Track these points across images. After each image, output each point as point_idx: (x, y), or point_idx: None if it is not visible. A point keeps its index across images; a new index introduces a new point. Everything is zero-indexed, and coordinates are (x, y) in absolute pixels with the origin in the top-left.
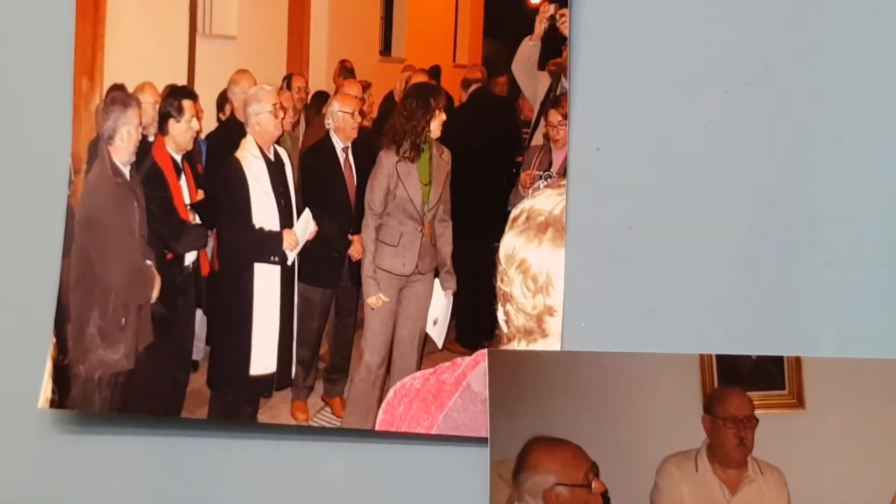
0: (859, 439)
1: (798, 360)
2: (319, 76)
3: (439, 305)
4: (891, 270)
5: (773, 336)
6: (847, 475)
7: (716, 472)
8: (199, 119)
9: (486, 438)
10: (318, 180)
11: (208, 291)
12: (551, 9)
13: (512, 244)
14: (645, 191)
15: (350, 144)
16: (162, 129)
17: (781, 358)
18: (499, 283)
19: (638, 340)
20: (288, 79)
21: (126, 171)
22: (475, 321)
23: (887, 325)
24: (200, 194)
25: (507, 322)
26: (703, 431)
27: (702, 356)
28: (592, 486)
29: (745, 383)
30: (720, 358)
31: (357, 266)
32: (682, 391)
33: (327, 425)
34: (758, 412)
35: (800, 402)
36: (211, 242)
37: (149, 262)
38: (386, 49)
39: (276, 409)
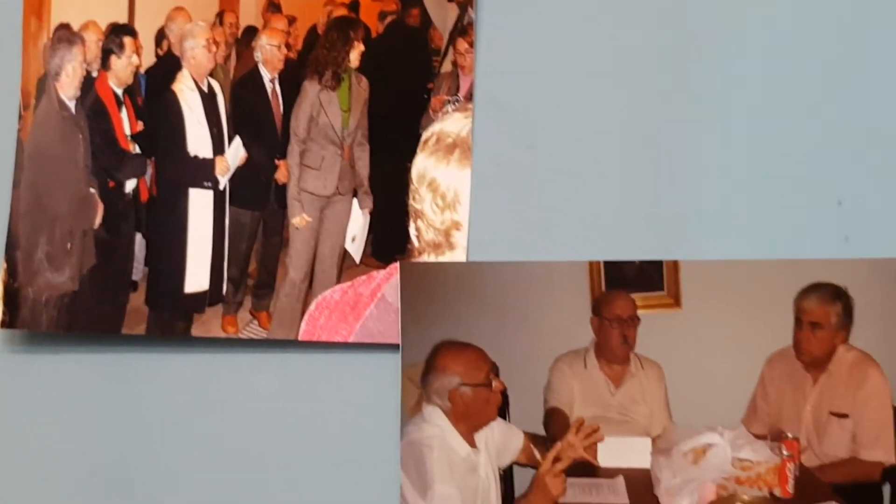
0: (730, 334)
1: (675, 264)
2: (249, 12)
3: (357, 223)
4: (757, 180)
5: (654, 243)
6: (718, 367)
7: (602, 369)
8: (138, 55)
9: (398, 345)
10: (248, 110)
11: (147, 216)
12: None
13: (423, 165)
14: (544, 114)
15: (277, 76)
16: (104, 65)
17: (661, 262)
18: (411, 202)
19: (535, 251)
20: (220, 15)
21: (72, 105)
22: (389, 237)
23: (755, 230)
24: (140, 125)
25: (418, 237)
26: (591, 332)
27: (591, 263)
28: (493, 384)
29: (629, 287)
30: (607, 264)
31: (283, 189)
32: (572, 296)
33: (255, 337)
34: (640, 312)
35: (677, 303)
36: (149, 170)
37: (92, 190)
38: None
39: (209, 323)
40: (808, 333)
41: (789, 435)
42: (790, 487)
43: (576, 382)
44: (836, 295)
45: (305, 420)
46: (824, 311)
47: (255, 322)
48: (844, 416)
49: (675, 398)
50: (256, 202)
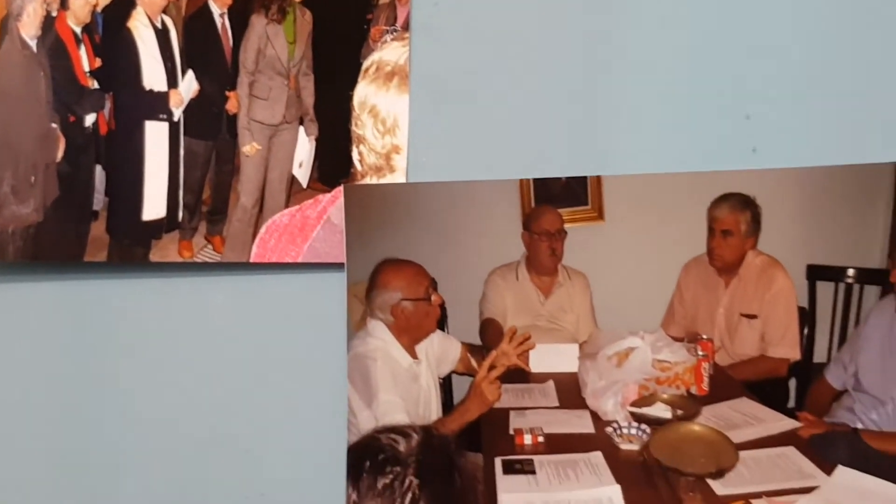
0: (649, 244)
1: (598, 179)
2: None
3: (304, 150)
4: (671, 98)
5: (578, 160)
6: (639, 275)
7: (532, 280)
8: None
9: (344, 264)
10: (199, 44)
11: (106, 148)
12: None
13: (364, 92)
14: (476, 41)
15: (226, 10)
16: (63, 4)
17: (585, 178)
18: (354, 128)
19: (469, 171)
20: None
21: (33, 44)
22: (334, 162)
23: (670, 145)
24: (98, 62)
25: (360, 161)
26: (522, 246)
27: (521, 181)
28: (432, 299)
29: (556, 202)
30: (536, 182)
31: (234, 119)
32: (504, 212)
33: (209, 260)
34: (566, 226)
35: (600, 216)
36: (108, 105)
37: (54, 125)
38: None
39: (166, 249)
40: (720, 241)
41: (704, 336)
42: (705, 385)
43: (508, 294)
44: (746, 204)
45: (258, 337)
46: (735, 220)
47: (210, 246)
48: (754, 316)
49: (600, 305)
50: (209, 132)
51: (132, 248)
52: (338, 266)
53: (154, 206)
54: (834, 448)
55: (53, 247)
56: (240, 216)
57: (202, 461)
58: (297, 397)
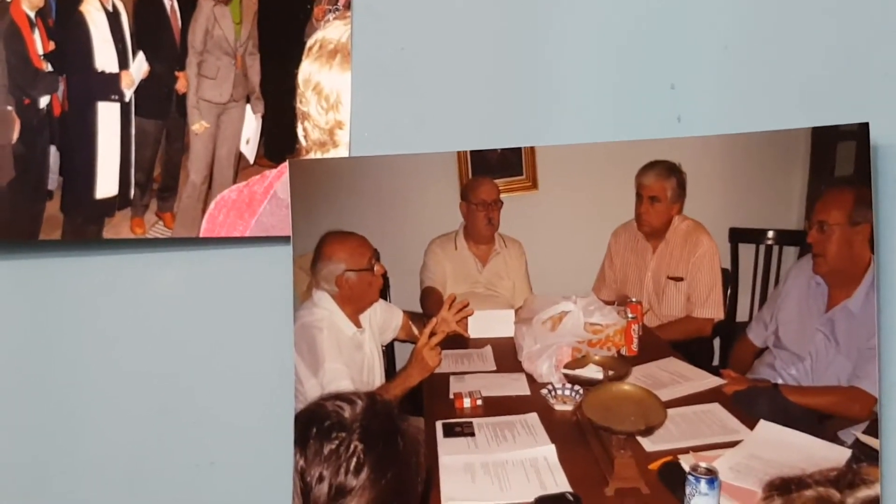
0: (580, 211)
1: (532, 150)
2: None
3: (250, 127)
4: (599, 71)
5: (513, 132)
6: (571, 241)
7: (470, 249)
8: None
9: (290, 237)
10: (149, 26)
11: (60, 129)
12: None
13: (308, 70)
14: (415, 19)
15: None
16: None
17: (520, 149)
18: (298, 105)
19: (410, 145)
20: None
21: None
22: (280, 138)
23: (599, 115)
24: (52, 45)
25: (305, 137)
26: (460, 216)
27: (459, 153)
28: (375, 269)
29: (492, 173)
30: (473, 153)
31: (183, 99)
32: (443, 184)
33: (161, 236)
34: (502, 196)
35: (534, 185)
36: (61, 87)
37: (9, 107)
38: None
39: (119, 226)
40: (648, 207)
41: (633, 299)
42: (635, 346)
43: (448, 263)
44: (671, 171)
45: (208, 310)
46: (661, 186)
47: (161, 223)
48: (680, 279)
49: (535, 272)
50: (159, 112)
51: (86, 225)
52: (284, 239)
53: (106, 184)
54: (756, 403)
55: (9, 226)
56: (189, 193)
57: (154, 431)
58: (245, 367)
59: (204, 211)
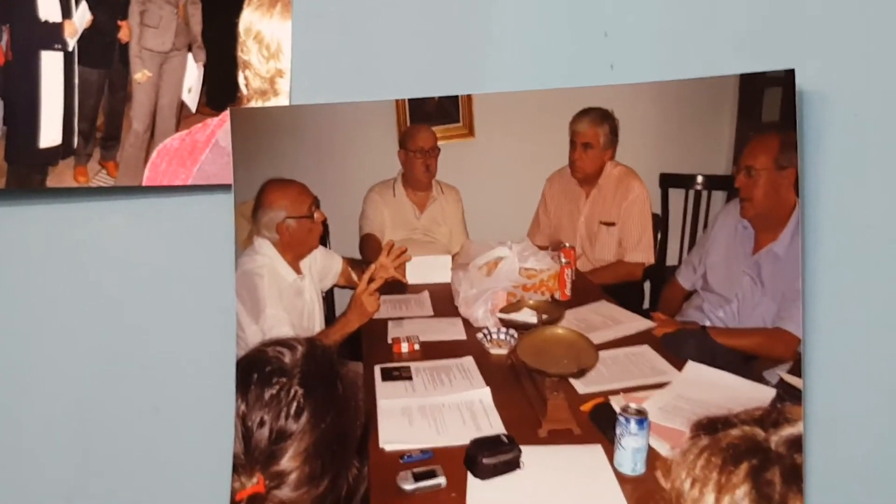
0: (515, 158)
1: (469, 98)
2: None
3: (192, 76)
4: (533, 19)
5: (450, 80)
6: (506, 188)
7: (408, 196)
8: None
9: (231, 185)
10: None
11: (4, 79)
12: None
13: (249, 19)
14: None
15: None
16: None
17: (457, 97)
18: (240, 53)
19: (349, 93)
20: None
21: None
22: (221, 87)
23: (534, 63)
24: None
25: (246, 86)
26: (399, 163)
27: (397, 101)
28: (315, 216)
29: (429, 120)
30: (411, 101)
31: (126, 48)
32: (382, 132)
33: (104, 185)
34: (440, 143)
35: (471, 132)
36: (4, 36)
37: None
38: None
39: (62, 175)
40: (581, 153)
41: (567, 244)
42: (568, 290)
43: (386, 210)
44: (604, 117)
45: (151, 258)
46: (594, 133)
47: (104, 171)
48: (612, 224)
49: (471, 218)
50: (102, 61)
51: (30, 174)
52: (225, 187)
53: (50, 133)
54: (684, 345)
55: None
56: (132, 141)
57: (99, 378)
58: (187, 314)
59: (146, 160)
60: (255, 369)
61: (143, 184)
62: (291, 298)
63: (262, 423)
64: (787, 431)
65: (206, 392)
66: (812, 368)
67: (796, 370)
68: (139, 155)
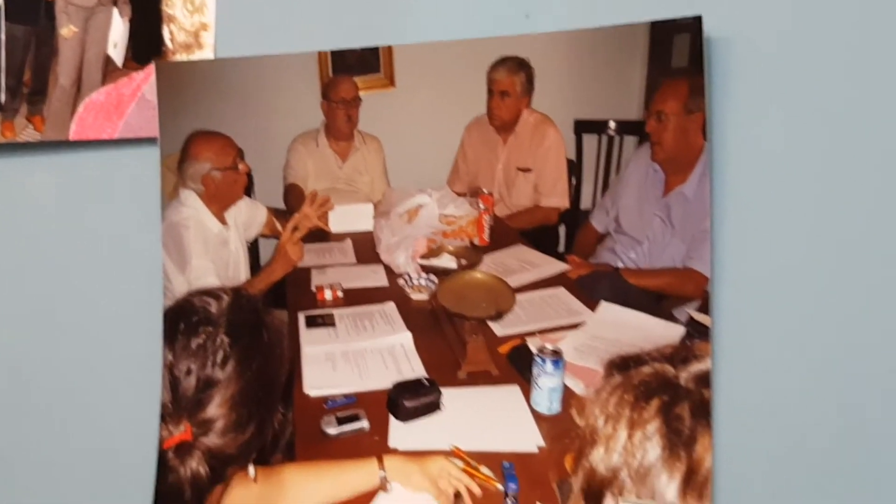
0: (435, 107)
1: (389, 49)
2: None
3: (118, 31)
4: None
5: (371, 31)
6: (426, 137)
7: (331, 146)
8: None
9: (157, 138)
10: None
11: None
12: None
13: None
14: None
15: None
16: None
17: (377, 48)
18: (164, 8)
19: (272, 45)
20: None
21: None
22: (147, 41)
23: (451, 13)
24: None
25: (171, 40)
26: (321, 114)
27: (319, 53)
28: (239, 167)
29: (351, 71)
30: (333, 53)
31: (51, 4)
32: (305, 83)
33: (31, 140)
34: (361, 93)
35: (392, 82)
36: None
37: None
38: None
39: None
40: (498, 101)
41: (485, 191)
42: (486, 236)
43: (309, 160)
44: (520, 66)
45: (78, 211)
46: (511, 81)
47: (31, 126)
48: (528, 170)
49: (392, 167)
50: (28, 17)
51: None
52: (151, 140)
53: None
54: (598, 286)
55: None
56: (59, 96)
57: (24, 333)
58: (114, 267)
59: (73, 114)
60: (181, 319)
61: (70, 138)
62: (217, 249)
63: (189, 372)
64: (696, 367)
65: (134, 342)
66: (719, 306)
67: (704, 308)
68: (66, 109)
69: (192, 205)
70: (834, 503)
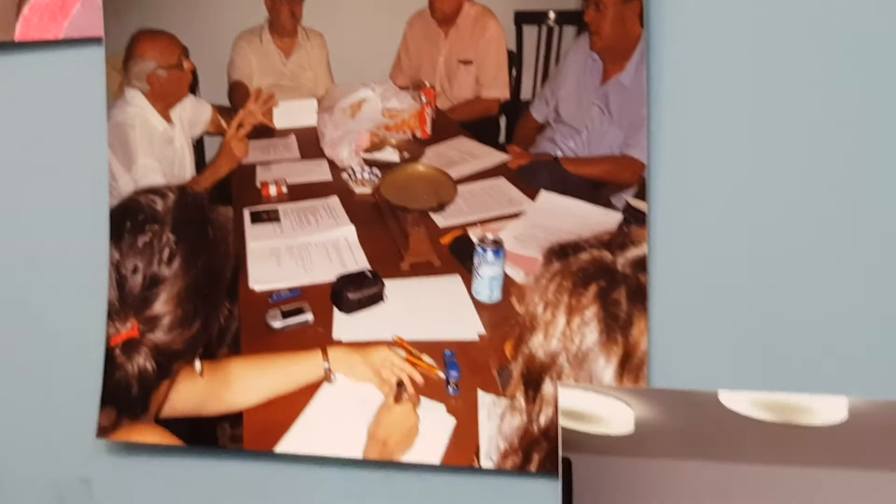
0: (378, 2)
1: None
2: None
3: None
4: None
5: None
6: (369, 31)
7: (275, 42)
8: None
9: (102, 38)
10: None
11: None
12: None
13: None
14: None
15: None
16: None
17: None
18: None
19: None
20: None
21: None
22: None
23: None
24: None
25: None
26: (265, 10)
27: None
28: (184, 65)
29: None
30: None
31: None
32: None
33: None
34: None
35: None
36: None
37: None
38: None
39: None
40: None
41: (427, 84)
42: (428, 128)
43: (253, 57)
44: None
45: (24, 113)
46: None
47: None
48: (469, 62)
49: (336, 62)
50: None
51: None
52: (96, 40)
53: None
54: (538, 176)
55: None
56: None
57: None
58: (60, 167)
59: (18, 15)
60: (128, 218)
61: (16, 39)
62: (162, 147)
63: (135, 270)
64: (633, 253)
65: (81, 242)
66: (655, 191)
67: (641, 194)
68: (11, 10)
69: (137, 104)
70: (766, 382)
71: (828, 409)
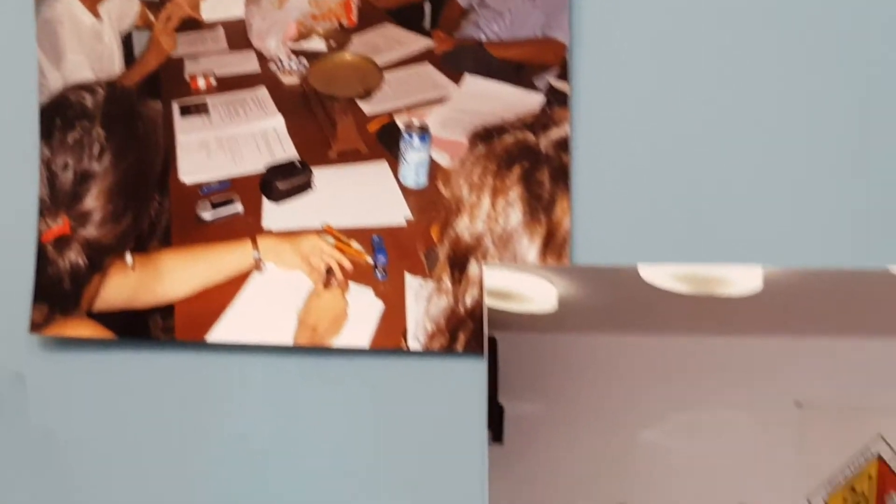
0: None
1: None
2: None
3: None
4: None
5: None
6: None
7: None
8: None
9: None
10: None
11: None
12: None
13: None
14: None
15: None
16: None
17: None
18: None
19: None
20: None
21: None
22: None
23: None
24: None
25: None
26: None
27: None
28: None
29: None
30: None
31: None
32: None
33: None
34: None
35: None
36: None
37: None
38: None
39: None
40: None
41: None
42: (354, 17)
43: None
44: None
45: None
46: None
47: None
48: None
49: None
50: None
51: None
52: None
53: None
54: (462, 60)
55: None
56: None
57: None
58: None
59: None
60: (57, 114)
61: None
62: (91, 43)
63: (66, 167)
64: (555, 133)
65: (11, 140)
66: (577, 72)
67: (563, 75)
68: None
69: (65, 0)
70: (687, 258)
71: (743, 279)
